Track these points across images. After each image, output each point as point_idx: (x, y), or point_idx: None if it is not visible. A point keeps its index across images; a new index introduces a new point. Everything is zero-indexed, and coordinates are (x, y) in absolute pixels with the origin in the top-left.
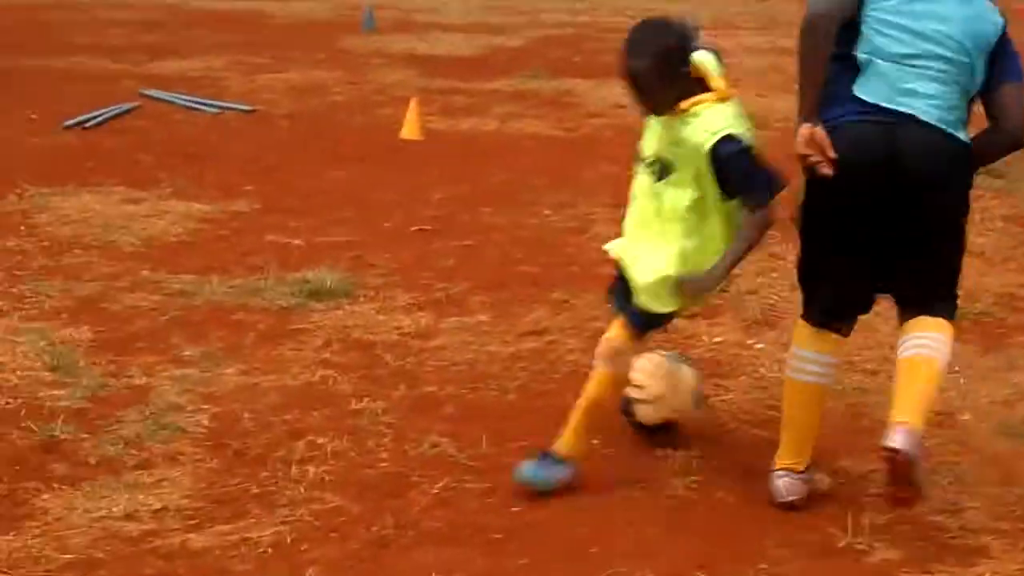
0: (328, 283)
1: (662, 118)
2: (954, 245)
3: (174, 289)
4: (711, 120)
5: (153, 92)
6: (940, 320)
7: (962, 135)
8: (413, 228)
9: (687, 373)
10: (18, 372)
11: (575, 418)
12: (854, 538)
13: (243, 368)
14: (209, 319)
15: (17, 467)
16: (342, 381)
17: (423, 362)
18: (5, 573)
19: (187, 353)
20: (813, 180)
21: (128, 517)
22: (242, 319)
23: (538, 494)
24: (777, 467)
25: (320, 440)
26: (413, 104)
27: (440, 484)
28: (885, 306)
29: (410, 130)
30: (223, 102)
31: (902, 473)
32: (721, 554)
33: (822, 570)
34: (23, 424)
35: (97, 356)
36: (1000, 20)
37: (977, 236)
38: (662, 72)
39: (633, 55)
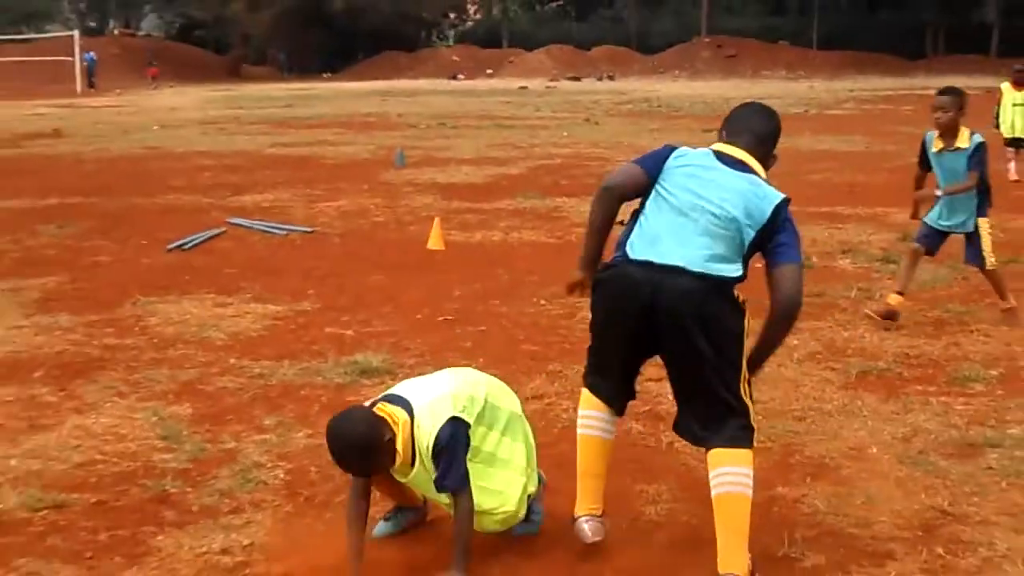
0: (374, 364)
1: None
2: (727, 373)
3: (255, 373)
4: (421, 437)
5: (235, 220)
6: (737, 451)
7: (728, 271)
8: (439, 318)
9: None
10: (136, 441)
11: None
12: (789, 548)
13: (310, 432)
14: (283, 395)
15: (137, 515)
16: None
17: None
18: None
19: (266, 422)
20: (594, 304)
21: (224, 552)
22: (308, 394)
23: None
24: (581, 513)
25: None
26: (436, 222)
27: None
28: (808, 366)
29: (435, 242)
30: (289, 226)
31: None
32: (684, 564)
33: (765, 573)
34: (140, 482)
35: (197, 427)
36: (777, 199)
37: None
38: (372, 457)
39: (344, 458)
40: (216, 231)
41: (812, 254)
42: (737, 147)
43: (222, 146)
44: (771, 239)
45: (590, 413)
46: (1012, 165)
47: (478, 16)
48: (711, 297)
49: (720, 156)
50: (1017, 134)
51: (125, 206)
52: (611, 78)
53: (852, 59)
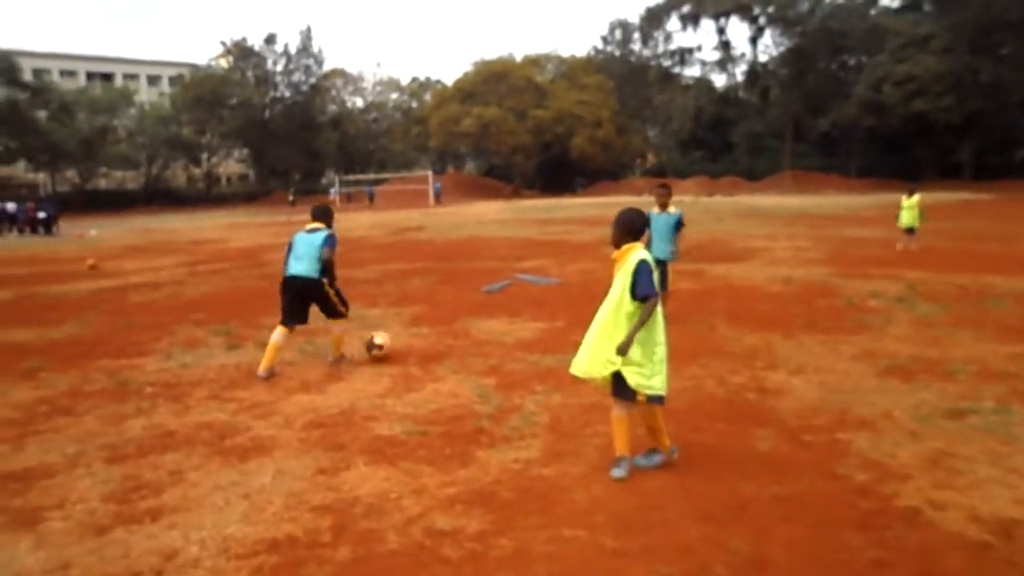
0: None
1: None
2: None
3: (530, 361)
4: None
5: (519, 275)
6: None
7: (316, 273)
8: None
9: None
10: (465, 398)
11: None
12: (845, 469)
13: (562, 395)
14: (547, 374)
15: (465, 440)
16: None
17: None
18: (459, 486)
19: (537, 388)
20: (283, 290)
21: (515, 461)
22: (561, 373)
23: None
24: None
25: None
26: None
27: None
28: (853, 363)
29: None
30: (548, 278)
31: None
32: (768, 480)
33: (825, 489)
34: (467, 421)
35: (499, 391)
36: (325, 234)
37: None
38: (638, 222)
39: (631, 216)
40: (508, 281)
41: (854, 297)
42: (315, 222)
43: (510, 233)
44: (324, 245)
45: (282, 333)
46: (905, 244)
47: (653, 160)
48: (312, 283)
49: (308, 230)
50: (906, 225)
51: (457, 267)
52: (731, 196)
53: (876, 183)
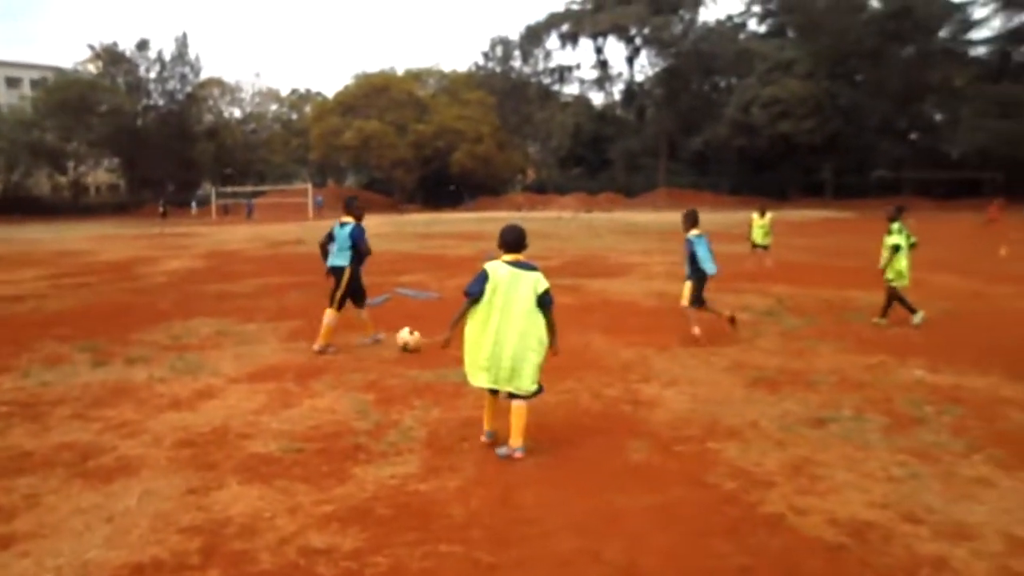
0: None
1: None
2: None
3: (410, 376)
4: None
5: (399, 290)
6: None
7: (346, 262)
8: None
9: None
10: (342, 414)
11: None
12: (715, 478)
13: (440, 409)
14: (425, 389)
15: (342, 456)
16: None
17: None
18: (335, 503)
19: (416, 403)
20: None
21: (392, 477)
22: (440, 389)
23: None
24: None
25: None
26: None
27: None
28: (723, 374)
29: None
30: (427, 292)
31: None
32: (638, 489)
33: (699, 494)
34: (345, 437)
35: (376, 407)
36: (350, 225)
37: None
38: (499, 241)
39: (516, 233)
40: (387, 296)
41: (724, 311)
42: (345, 216)
43: (390, 247)
44: (356, 238)
45: (332, 315)
46: (759, 261)
47: (533, 176)
48: (342, 270)
49: (340, 223)
50: (759, 242)
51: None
52: (608, 212)
53: (746, 200)
